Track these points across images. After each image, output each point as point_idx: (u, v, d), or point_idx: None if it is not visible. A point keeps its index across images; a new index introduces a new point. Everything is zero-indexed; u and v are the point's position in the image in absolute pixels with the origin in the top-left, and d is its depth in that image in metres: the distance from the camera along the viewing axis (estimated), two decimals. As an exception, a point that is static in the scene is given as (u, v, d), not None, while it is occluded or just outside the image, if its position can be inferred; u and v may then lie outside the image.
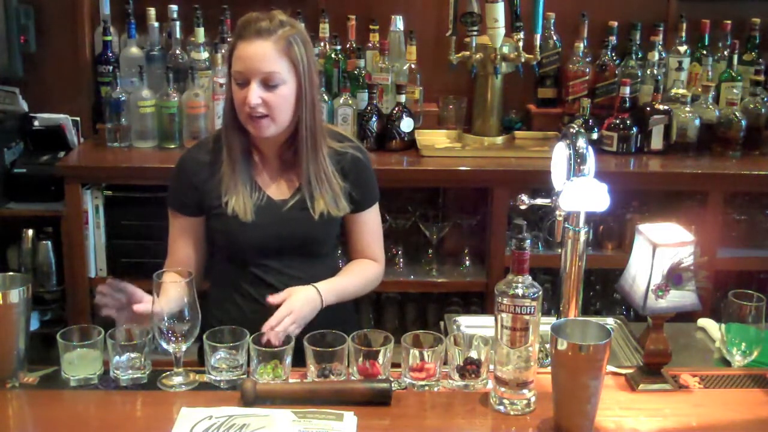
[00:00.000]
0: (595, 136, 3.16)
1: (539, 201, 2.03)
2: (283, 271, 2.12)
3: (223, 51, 3.14)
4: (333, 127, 2.28)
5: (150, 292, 1.82)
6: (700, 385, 1.87)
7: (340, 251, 2.48)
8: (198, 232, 2.16)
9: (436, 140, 3.28)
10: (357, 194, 2.17)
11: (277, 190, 2.14)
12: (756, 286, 2.67)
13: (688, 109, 3.17)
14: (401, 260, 3.23)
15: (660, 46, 3.29)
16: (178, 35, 3.21)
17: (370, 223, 2.23)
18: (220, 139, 2.13)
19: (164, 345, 1.81)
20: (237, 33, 2.04)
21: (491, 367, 1.78)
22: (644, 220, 1.98)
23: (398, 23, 3.32)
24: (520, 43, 3.09)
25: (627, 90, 3.15)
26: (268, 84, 2.00)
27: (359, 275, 2.21)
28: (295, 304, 1.98)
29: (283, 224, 2.10)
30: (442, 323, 2.38)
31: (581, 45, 3.32)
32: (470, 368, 1.80)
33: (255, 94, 1.99)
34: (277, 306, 1.96)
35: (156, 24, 3.20)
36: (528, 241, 1.70)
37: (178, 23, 3.20)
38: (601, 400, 1.65)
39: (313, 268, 2.15)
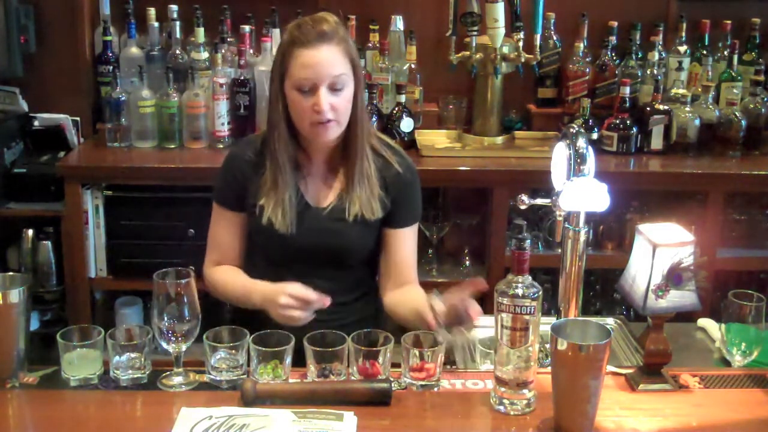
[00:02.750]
0: (595, 136, 3.16)
1: (539, 201, 2.03)
2: (309, 279, 2.07)
3: (223, 51, 3.15)
4: (385, 137, 2.24)
5: (150, 292, 1.82)
6: (700, 385, 1.87)
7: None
8: (241, 225, 2.16)
9: (436, 140, 3.28)
10: (395, 209, 2.14)
11: (319, 197, 2.12)
12: (756, 286, 2.67)
13: (688, 109, 3.17)
14: (401, 260, 3.23)
15: (660, 46, 3.29)
16: (178, 35, 3.21)
17: (408, 242, 2.18)
18: (267, 145, 2.11)
19: (164, 345, 1.81)
20: (292, 39, 1.99)
21: (491, 367, 1.78)
22: (644, 220, 1.98)
23: (398, 23, 3.32)
24: (520, 43, 3.09)
25: (627, 90, 3.15)
26: (335, 88, 1.99)
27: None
28: None
29: (319, 232, 2.09)
30: (442, 323, 2.38)
31: (581, 45, 3.32)
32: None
33: (326, 100, 1.97)
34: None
35: (156, 24, 3.20)
36: (528, 241, 1.70)
37: (178, 23, 3.20)
38: (601, 400, 1.65)
39: (343, 280, 2.13)
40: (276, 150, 2.06)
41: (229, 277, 2.14)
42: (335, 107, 1.99)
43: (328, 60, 1.97)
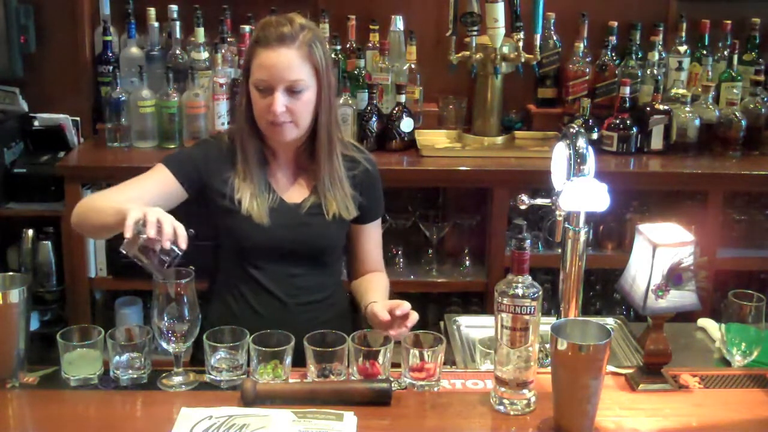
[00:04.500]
0: (595, 136, 3.16)
1: (539, 201, 2.03)
2: (285, 277, 2.11)
3: (223, 51, 3.14)
4: (350, 140, 2.28)
5: (150, 292, 1.82)
6: (700, 385, 1.87)
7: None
8: (171, 192, 2.05)
9: (436, 140, 3.28)
10: (366, 205, 2.18)
11: (291, 194, 2.13)
12: (756, 286, 2.67)
13: (688, 109, 3.17)
14: (401, 260, 3.23)
15: (660, 46, 3.28)
16: (178, 35, 3.21)
17: (375, 234, 2.26)
18: (234, 138, 2.12)
19: (164, 345, 1.81)
20: (256, 39, 2.00)
21: (491, 367, 1.78)
22: (644, 220, 1.98)
23: (398, 23, 3.32)
24: (520, 43, 3.09)
25: (627, 90, 3.15)
26: (293, 91, 1.99)
27: (384, 289, 2.22)
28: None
29: (298, 228, 2.10)
30: (442, 323, 2.38)
31: (581, 45, 3.32)
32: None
33: (280, 102, 1.97)
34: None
35: (156, 24, 3.20)
36: (528, 241, 1.70)
37: (178, 23, 3.20)
38: (601, 400, 1.65)
39: (318, 277, 2.15)
40: (242, 141, 2.08)
41: (111, 196, 1.98)
42: (292, 110, 2.00)
43: (284, 63, 1.97)
